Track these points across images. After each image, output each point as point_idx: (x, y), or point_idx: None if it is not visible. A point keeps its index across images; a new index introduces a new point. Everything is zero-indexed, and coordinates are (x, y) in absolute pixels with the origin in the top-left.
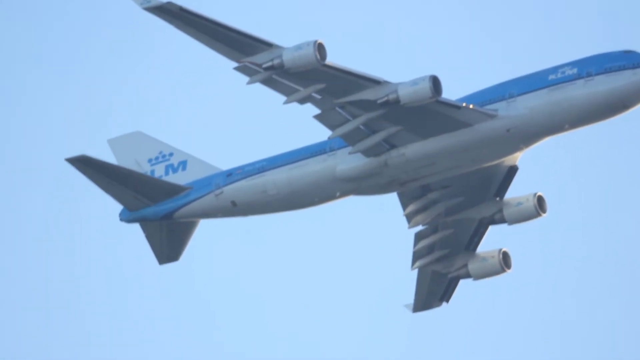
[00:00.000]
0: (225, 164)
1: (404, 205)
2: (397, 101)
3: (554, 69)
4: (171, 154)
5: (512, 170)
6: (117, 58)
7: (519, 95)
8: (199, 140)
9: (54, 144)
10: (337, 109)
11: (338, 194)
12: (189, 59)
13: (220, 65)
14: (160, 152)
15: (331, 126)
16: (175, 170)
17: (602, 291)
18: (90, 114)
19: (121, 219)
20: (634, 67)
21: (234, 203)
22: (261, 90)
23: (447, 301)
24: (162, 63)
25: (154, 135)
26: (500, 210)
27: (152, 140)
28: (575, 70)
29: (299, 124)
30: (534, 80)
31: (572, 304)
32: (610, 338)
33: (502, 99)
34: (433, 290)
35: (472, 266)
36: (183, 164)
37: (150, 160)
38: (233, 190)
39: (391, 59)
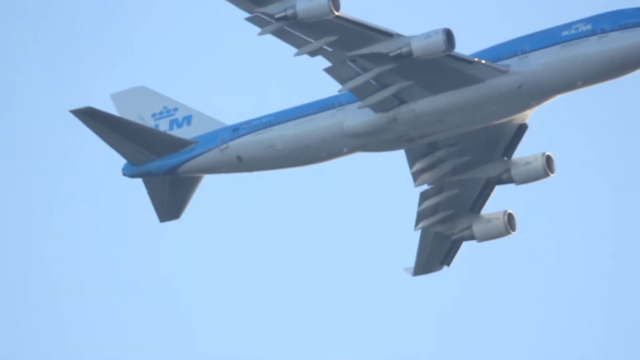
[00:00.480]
0: (232, 120)
1: (411, 163)
2: (409, 54)
3: (568, 26)
4: (176, 109)
5: (522, 128)
6: (121, 9)
7: (531, 51)
8: (205, 96)
9: (57, 98)
10: (348, 62)
11: (346, 149)
12: (194, 10)
13: (225, 18)
14: (165, 107)
15: (341, 80)
16: (180, 125)
17: (606, 256)
18: (94, 69)
19: (124, 174)
20: None
21: (239, 158)
22: (270, 43)
23: (448, 265)
24: (168, 15)
25: (159, 91)
26: (508, 170)
27: (156, 95)
28: (589, 27)
29: (308, 78)
30: (547, 36)
31: (576, 267)
32: (612, 300)
33: (515, 54)
34: (435, 253)
35: (477, 228)
36: (188, 119)
37: (154, 115)
38: (239, 144)
39: (403, 13)
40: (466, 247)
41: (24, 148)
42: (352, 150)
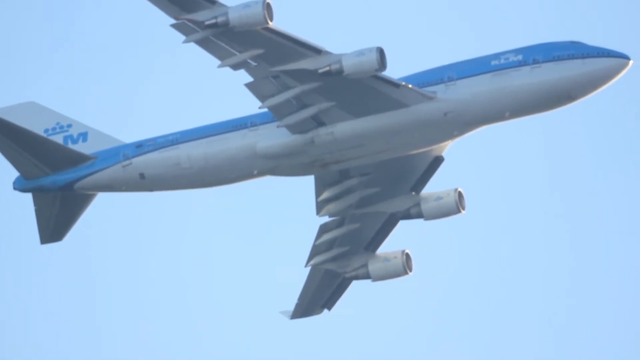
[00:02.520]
0: (130, 138)
1: (319, 191)
2: (339, 72)
3: (497, 55)
4: (69, 125)
5: (437, 160)
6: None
7: (459, 79)
8: (100, 113)
9: None
10: (271, 78)
11: (256, 172)
12: (90, 17)
13: (128, 27)
14: (58, 123)
15: (262, 97)
16: (75, 142)
17: (505, 296)
18: None
19: (15, 188)
20: (583, 57)
21: (142, 175)
22: (172, 56)
23: (330, 308)
24: (60, 21)
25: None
26: (418, 205)
27: (47, 110)
28: (520, 57)
29: (220, 93)
30: (475, 65)
31: (474, 308)
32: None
33: (441, 81)
34: (320, 293)
35: (373, 266)
36: (83, 136)
37: (46, 131)
38: (143, 161)
39: (328, 32)
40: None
41: None
42: (262, 173)
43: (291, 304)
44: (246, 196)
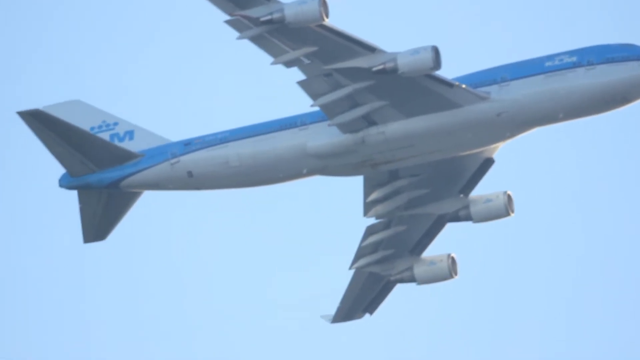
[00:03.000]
0: (177, 137)
1: (368, 192)
2: (394, 70)
3: (551, 57)
4: (116, 123)
5: (488, 162)
6: (55, 16)
7: (512, 79)
8: (146, 111)
9: None
10: (323, 76)
11: (305, 171)
12: (134, 18)
13: (166, 27)
14: (104, 121)
15: (314, 95)
16: (121, 140)
17: (551, 301)
18: (22, 81)
19: (61, 185)
20: (638, 59)
21: (190, 174)
22: (225, 55)
23: (371, 313)
24: (107, 23)
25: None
26: (466, 207)
27: (93, 109)
28: (574, 59)
29: (262, 93)
30: (529, 66)
31: (519, 313)
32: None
33: (494, 82)
34: (362, 297)
35: (419, 270)
36: (130, 134)
37: (92, 129)
38: (191, 159)
39: (382, 31)
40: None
41: None
42: (311, 172)
43: (332, 307)
44: (292, 196)
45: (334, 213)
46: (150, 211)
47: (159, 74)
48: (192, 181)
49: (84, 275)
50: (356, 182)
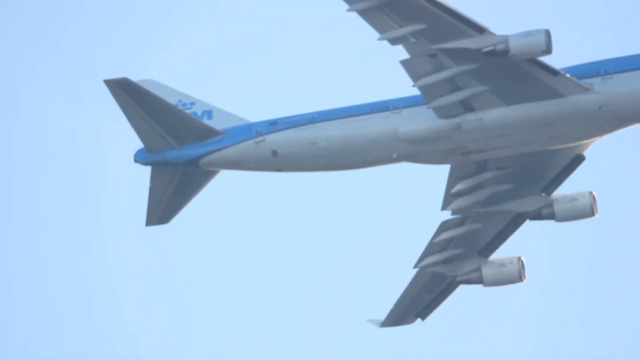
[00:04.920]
0: (257, 119)
1: (452, 183)
2: (504, 52)
3: None
4: (193, 103)
5: (578, 159)
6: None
7: (616, 73)
8: (222, 92)
9: (62, 89)
10: (427, 57)
11: (395, 156)
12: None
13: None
14: (180, 101)
15: (415, 75)
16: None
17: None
18: (97, 62)
19: (137, 160)
20: None
21: (274, 153)
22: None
23: (423, 318)
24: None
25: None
26: (550, 205)
27: (168, 88)
28: None
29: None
30: (634, 60)
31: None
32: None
33: (597, 75)
34: (418, 300)
35: (487, 271)
36: (208, 114)
37: None
38: (277, 139)
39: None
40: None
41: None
42: (401, 158)
43: (381, 308)
44: (368, 183)
45: (408, 206)
46: (218, 194)
47: (234, 52)
48: (276, 161)
49: (143, 258)
50: (439, 176)
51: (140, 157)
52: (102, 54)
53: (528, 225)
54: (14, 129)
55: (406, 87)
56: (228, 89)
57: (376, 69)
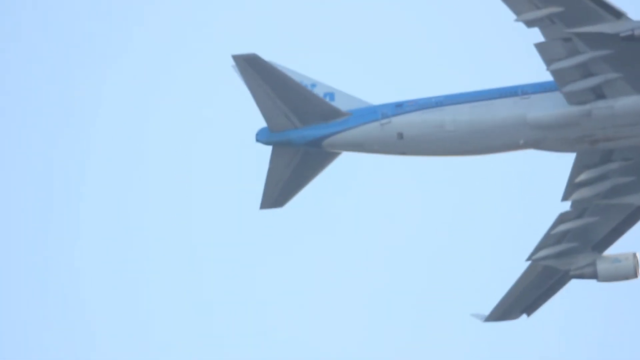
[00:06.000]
0: (378, 102)
1: (576, 172)
2: None
3: None
4: (314, 85)
5: None
6: None
7: None
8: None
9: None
10: (562, 41)
11: (522, 142)
12: None
13: None
14: (301, 82)
15: (549, 60)
16: None
17: None
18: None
19: (258, 140)
20: None
21: (400, 135)
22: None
23: (529, 314)
24: None
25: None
26: None
27: (289, 71)
28: None
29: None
30: None
31: None
32: None
33: None
34: (527, 294)
35: (602, 266)
36: (330, 96)
37: None
38: (403, 121)
39: None
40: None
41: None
42: (527, 144)
43: (484, 302)
44: (489, 170)
45: (527, 196)
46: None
47: (353, 32)
48: (401, 144)
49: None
50: (562, 166)
51: (262, 137)
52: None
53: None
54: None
55: (535, 73)
56: (348, 72)
57: (503, 53)
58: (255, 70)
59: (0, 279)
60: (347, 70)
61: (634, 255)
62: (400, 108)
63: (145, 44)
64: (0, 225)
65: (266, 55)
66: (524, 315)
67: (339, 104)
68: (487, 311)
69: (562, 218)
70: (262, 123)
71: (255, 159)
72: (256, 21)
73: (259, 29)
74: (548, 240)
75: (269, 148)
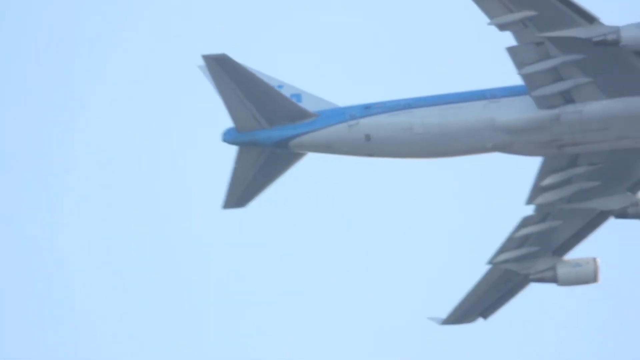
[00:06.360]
0: (344, 104)
1: (542, 176)
2: (615, 42)
3: None
4: (280, 86)
5: None
6: None
7: None
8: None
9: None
10: (534, 45)
11: (490, 145)
12: None
13: None
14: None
15: (520, 63)
16: None
17: None
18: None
19: (225, 140)
20: None
21: (367, 137)
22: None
23: (486, 317)
24: None
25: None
26: (636, 205)
27: (256, 72)
28: None
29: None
30: None
31: None
32: None
33: None
34: (486, 297)
35: (562, 270)
36: (297, 97)
37: None
38: (371, 123)
39: None
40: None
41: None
42: (495, 148)
43: (440, 305)
44: (455, 172)
45: (490, 199)
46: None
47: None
48: (368, 145)
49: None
50: (527, 169)
51: (229, 136)
52: (181, 30)
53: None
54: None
55: (502, 77)
56: (313, 73)
57: (473, 56)
58: (225, 71)
59: None
60: (313, 72)
61: (594, 260)
62: (368, 110)
63: (114, 43)
64: None
65: (232, 56)
66: (481, 319)
67: (306, 105)
68: (444, 314)
69: (525, 222)
70: (224, 123)
71: (219, 159)
72: (222, 21)
73: (225, 29)
74: (510, 243)
75: (233, 148)
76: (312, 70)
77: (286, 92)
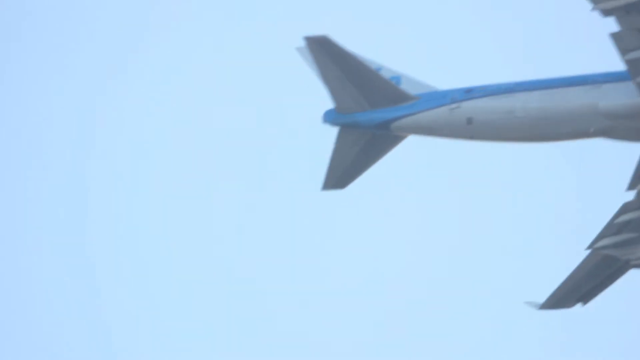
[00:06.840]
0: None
1: None
2: None
3: None
4: (379, 69)
5: None
6: None
7: None
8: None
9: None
10: (638, 31)
11: (592, 130)
12: None
13: None
14: None
15: (624, 49)
16: None
17: None
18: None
19: (326, 120)
20: None
21: (469, 120)
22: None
23: (585, 303)
24: None
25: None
26: None
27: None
28: None
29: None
30: None
31: None
32: None
33: None
34: (585, 282)
35: None
36: (396, 79)
37: None
38: (473, 106)
39: None
40: None
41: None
42: (597, 133)
43: (539, 290)
44: (554, 159)
45: (591, 184)
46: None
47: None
48: (470, 129)
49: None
50: (631, 155)
51: (330, 118)
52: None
53: None
54: None
55: (608, 63)
56: (410, 57)
57: (575, 42)
58: (326, 52)
59: None
60: (410, 55)
61: None
62: (469, 93)
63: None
64: None
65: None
66: (579, 304)
67: (405, 88)
68: (542, 299)
69: (625, 207)
70: (323, 105)
71: (316, 141)
72: (318, 4)
73: (322, 12)
74: (609, 229)
75: (332, 130)
76: (410, 54)
77: (385, 75)
